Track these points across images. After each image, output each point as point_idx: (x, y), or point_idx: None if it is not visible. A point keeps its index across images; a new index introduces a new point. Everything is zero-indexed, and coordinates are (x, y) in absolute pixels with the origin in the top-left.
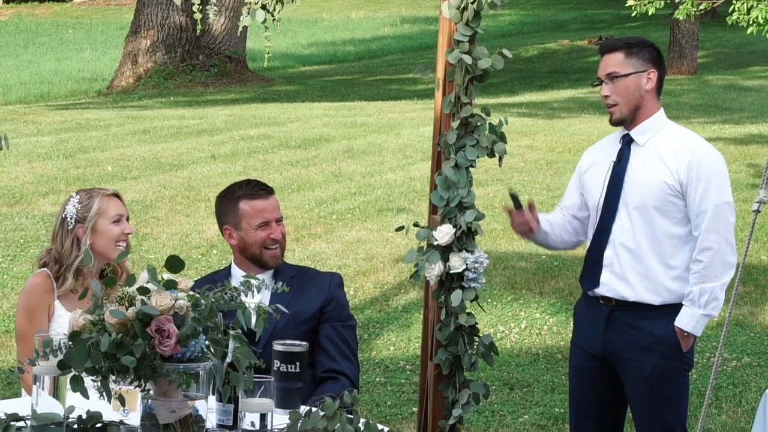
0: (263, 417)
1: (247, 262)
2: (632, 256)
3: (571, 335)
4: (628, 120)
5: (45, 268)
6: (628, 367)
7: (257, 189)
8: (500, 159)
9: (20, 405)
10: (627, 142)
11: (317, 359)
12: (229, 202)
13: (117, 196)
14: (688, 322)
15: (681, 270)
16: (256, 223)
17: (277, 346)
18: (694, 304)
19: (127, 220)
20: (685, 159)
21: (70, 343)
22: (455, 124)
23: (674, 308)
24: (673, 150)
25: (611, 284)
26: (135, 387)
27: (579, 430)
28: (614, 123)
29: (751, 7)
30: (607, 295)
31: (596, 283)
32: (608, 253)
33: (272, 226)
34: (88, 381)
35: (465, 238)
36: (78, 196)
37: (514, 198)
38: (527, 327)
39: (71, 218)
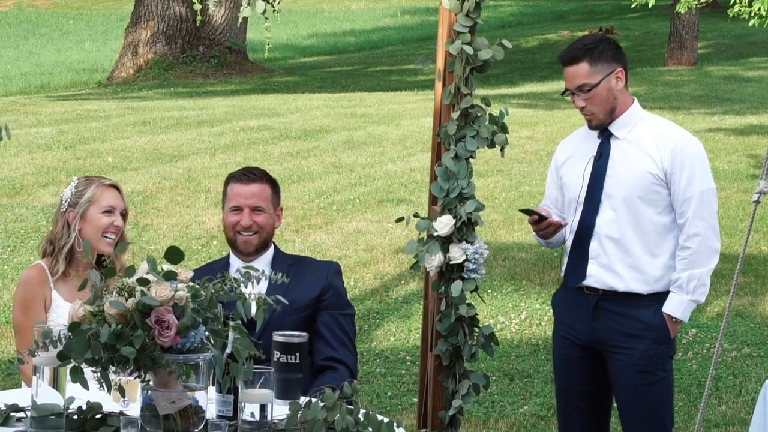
0: (263, 408)
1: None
2: (618, 248)
3: None
4: (606, 123)
5: (40, 261)
6: (617, 355)
7: (244, 174)
8: (502, 149)
9: (20, 396)
10: (606, 137)
11: (315, 347)
12: (225, 183)
13: (116, 187)
14: (677, 308)
15: (666, 258)
16: (230, 206)
17: (277, 337)
18: (683, 290)
19: (124, 215)
20: (668, 148)
21: (70, 334)
22: (455, 115)
23: (660, 296)
24: (654, 140)
25: (599, 276)
26: (135, 378)
27: (567, 420)
28: (594, 128)
29: None
30: (594, 286)
31: (583, 276)
32: (594, 246)
33: (243, 212)
34: (88, 372)
35: (465, 229)
36: (77, 181)
37: (527, 212)
38: (527, 318)
39: (65, 201)
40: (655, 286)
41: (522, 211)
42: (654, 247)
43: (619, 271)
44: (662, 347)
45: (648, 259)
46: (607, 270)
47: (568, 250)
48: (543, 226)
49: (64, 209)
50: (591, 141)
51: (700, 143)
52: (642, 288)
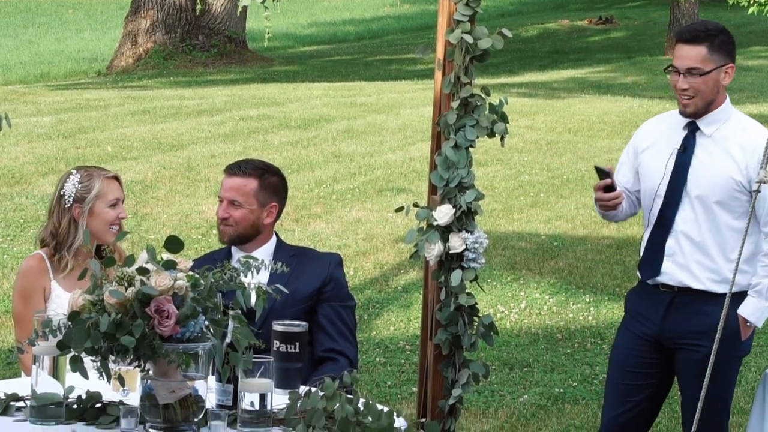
0: (263, 397)
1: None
2: (695, 248)
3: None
4: (701, 113)
5: (40, 250)
6: (683, 351)
7: (232, 166)
8: (502, 139)
9: (20, 385)
10: (692, 130)
11: (316, 338)
12: None
13: (117, 179)
14: (753, 312)
15: (740, 262)
16: (219, 196)
17: (277, 326)
18: (761, 296)
19: (122, 202)
20: (755, 156)
21: (70, 323)
22: (455, 104)
23: (738, 296)
24: (741, 144)
25: (673, 274)
26: (134, 367)
27: (613, 410)
28: (688, 116)
29: None
30: (668, 283)
31: (657, 272)
32: (670, 243)
33: (222, 204)
34: (88, 361)
35: (465, 219)
36: (78, 175)
37: (601, 171)
38: (527, 307)
39: (69, 197)
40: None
41: (597, 168)
42: (730, 251)
43: (694, 270)
44: (729, 348)
45: (723, 262)
46: (682, 269)
47: (645, 242)
48: (607, 197)
49: (69, 205)
50: (676, 131)
51: None
52: (717, 288)
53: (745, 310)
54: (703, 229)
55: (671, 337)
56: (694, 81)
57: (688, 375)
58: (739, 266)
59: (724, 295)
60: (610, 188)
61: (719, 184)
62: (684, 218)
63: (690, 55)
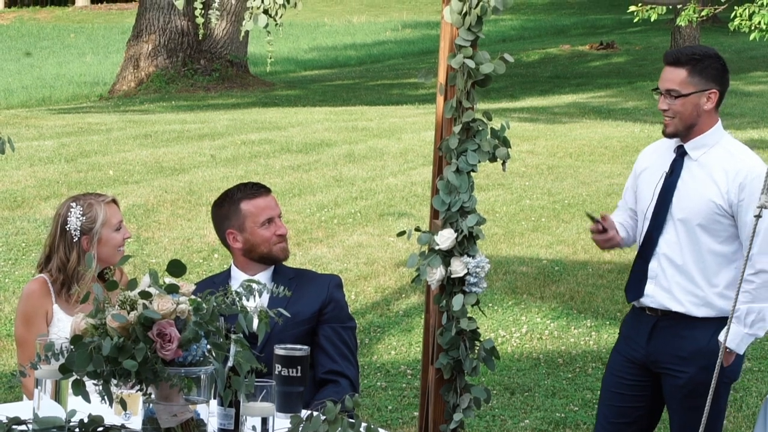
0: (265, 421)
1: (250, 263)
2: (678, 271)
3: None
4: (681, 134)
5: (43, 274)
6: (667, 377)
7: (255, 189)
8: (503, 163)
9: (22, 409)
10: (680, 154)
11: (317, 360)
12: (229, 205)
13: (115, 201)
14: (732, 339)
15: (721, 288)
16: (260, 220)
17: (279, 350)
18: (740, 322)
19: (123, 223)
20: (737, 180)
21: (72, 346)
22: (457, 128)
23: (720, 321)
24: (725, 168)
25: (656, 296)
26: (136, 391)
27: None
28: (668, 136)
29: (753, 12)
30: (651, 306)
31: (640, 294)
32: (653, 266)
33: (276, 222)
34: (90, 385)
35: (466, 243)
36: (79, 207)
37: (592, 218)
38: (528, 332)
39: (75, 230)
40: (711, 312)
41: (588, 215)
42: (712, 276)
43: (676, 293)
44: (711, 374)
45: (706, 287)
46: (665, 291)
47: (633, 264)
48: (601, 239)
49: (77, 238)
50: (667, 155)
51: None
52: (698, 311)
53: (724, 336)
54: (685, 253)
55: (655, 361)
56: (673, 103)
57: (673, 400)
58: (724, 292)
59: (704, 319)
60: (604, 232)
61: (702, 208)
62: (667, 241)
63: (670, 77)
